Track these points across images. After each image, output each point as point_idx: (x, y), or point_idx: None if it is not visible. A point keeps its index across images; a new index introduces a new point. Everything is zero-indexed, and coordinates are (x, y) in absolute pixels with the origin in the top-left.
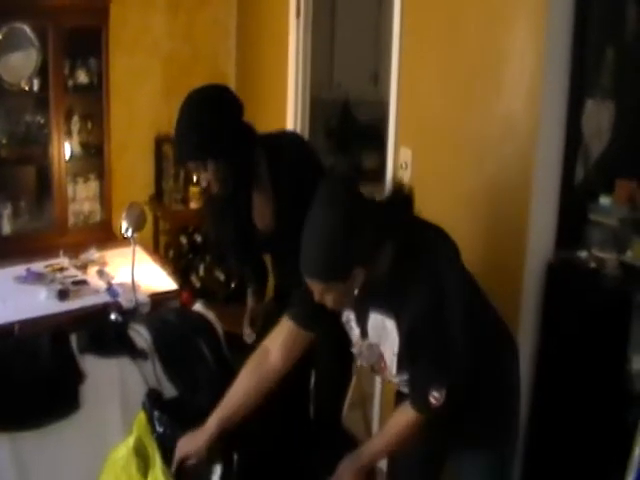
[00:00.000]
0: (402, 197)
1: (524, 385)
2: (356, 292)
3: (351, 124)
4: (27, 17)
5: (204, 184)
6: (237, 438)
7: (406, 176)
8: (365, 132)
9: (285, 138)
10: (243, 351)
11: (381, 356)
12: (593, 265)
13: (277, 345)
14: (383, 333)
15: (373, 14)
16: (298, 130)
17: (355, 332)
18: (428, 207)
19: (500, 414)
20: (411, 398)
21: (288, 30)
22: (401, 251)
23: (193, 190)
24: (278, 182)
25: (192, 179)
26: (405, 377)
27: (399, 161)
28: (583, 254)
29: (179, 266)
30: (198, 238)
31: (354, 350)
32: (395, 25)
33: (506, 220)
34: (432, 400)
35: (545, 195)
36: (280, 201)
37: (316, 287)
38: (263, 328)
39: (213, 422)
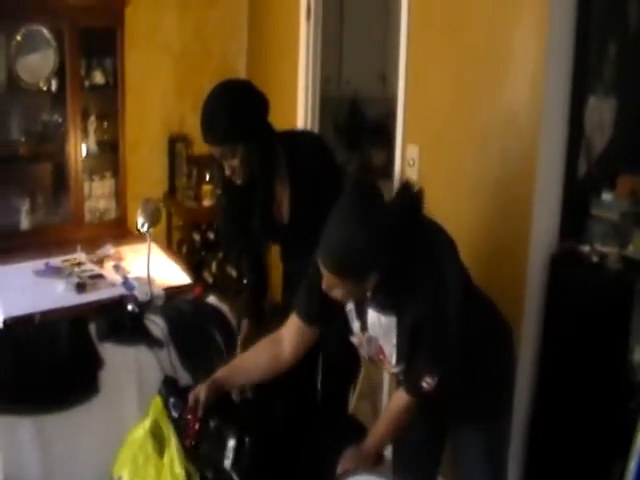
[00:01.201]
0: (411, 198)
1: (527, 374)
2: (368, 294)
3: (359, 121)
4: (44, 19)
5: (228, 172)
6: (249, 422)
7: (413, 172)
8: (373, 129)
9: (303, 136)
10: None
11: (380, 349)
12: (595, 259)
13: (289, 336)
14: (381, 329)
15: (381, 15)
16: (308, 128)
17: (356, 324)
18: (434, 201)
19: (497, 393)
20: (404, 382)
21: (299, 32)
22: (407, 254)
23: (205, 188)
24: (295, 176)
25: (204, 177)
26: (404, 367)
27: (407, 158)
28: (586, 248)
29: (192, 262)
30: (210, 235)
31: (354, 340)
32: (402, 25)
33: (510, 214)
34: (424, 385)
35: (548, 189)
36: (296, 194)
37: (328, 279)
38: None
39: (219, 373)
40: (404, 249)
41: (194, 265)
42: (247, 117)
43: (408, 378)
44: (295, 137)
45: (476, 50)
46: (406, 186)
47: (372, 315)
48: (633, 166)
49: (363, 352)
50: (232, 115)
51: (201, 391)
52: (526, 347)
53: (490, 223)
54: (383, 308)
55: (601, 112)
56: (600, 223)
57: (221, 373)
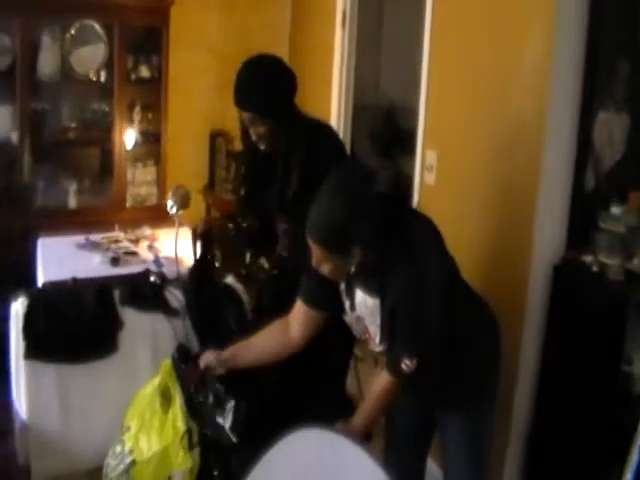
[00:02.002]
0: (401, 191)
1: (528, 380)
2: (352, 270)
3: (394, 130)
4: (97, 15)
5: (254, 137)
6: (247, 389)
7: (431, 177)
8: (407, 138)
9: (325, 130)
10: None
11: (366, 328)
12: (595, 269)
13: (296, 321)
14: (367, 309)
15: (418, 26)
16: (341, 133)
17: (346, 303)
18: (449, 205)
19: (479, 382)
20: (386, 363)
21: (334, 38)
22: (390, 238)
23: None
24: (307, 165)
25: (241, 171)
26: (386, 347)
27: (426, 163)
28: (588, 258)
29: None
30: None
31: (346, 319)
32: (425, 40)
33: (515, 223)
34: (403, 366)
35: (553, 201)
36: (304, 180)
37: (317, 251)
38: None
39: (228, 351)
40: (387, 229)
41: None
42: (279, 93)
43: (389, 359)
44: (318, 129)
45: (489, 64)
46: (398, 181)
47: (359, 295)
48: None
49: (354, 331)
50: (266, 89)
51: (207, 356)
52: (528, 355)
53: (496, 230)
54: (369, 290)
55: (611, 128)
56: (607, 235)
57: (232, 350)
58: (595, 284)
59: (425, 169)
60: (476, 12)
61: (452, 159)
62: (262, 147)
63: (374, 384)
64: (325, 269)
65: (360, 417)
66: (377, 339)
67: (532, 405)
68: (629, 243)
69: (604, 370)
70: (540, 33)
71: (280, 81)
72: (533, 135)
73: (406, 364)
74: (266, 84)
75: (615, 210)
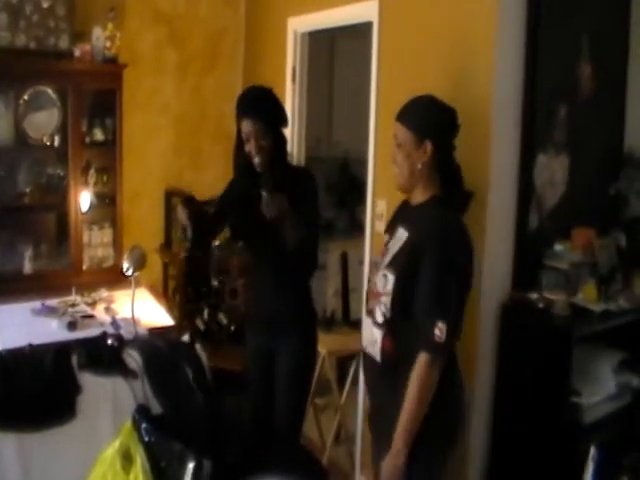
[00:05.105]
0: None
1: (483, 415)
2: (419, 166)
3: (350, 180)
4: (50, 81)
5: (254, 151)
6: (208, 447)
7: (382, 225)
8: (361, 187)
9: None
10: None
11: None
12: (541, 305)
13: None
14: (397, 242)
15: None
16: None
17: (385, 238)
18: None
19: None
20: (419, 338)
21: (285, 94)
22: (444, 196)
23: None
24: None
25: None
26: (387, 275)
27: (377, 212)
28: (534, 295)
29: (185, 309)
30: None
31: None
32: (372, 92)
33: None
34: (436, 332)
35: (499, 243)
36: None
37: (396, 130)
38: None
39: None
40: (444, 189)
41: (187, 311)
42: (283, 111)
43: (421, 330)
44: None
45: None
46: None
47: (400, 231)
48: (585, 221)
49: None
50: (276, 104)
51: None
52: (481, 390)
53: None
54: (407, 225)
55: (552, 170)
56: (552, 272)
57: None
58: (542, 320)
59: (376, 217)
60: (420, 65)
61: None
62: (257, 160)
63: (411, 379)
64: (397, 158)
65: (401, 429)
66: (384, 262)
67: (487, 438)
68: (573, 279)
69: (554, 402)
70: (481, 81)
71: (282, 108)
72: (477, 181)
73: (439, 328)
74: (274, 101)
75: (559, 248)
